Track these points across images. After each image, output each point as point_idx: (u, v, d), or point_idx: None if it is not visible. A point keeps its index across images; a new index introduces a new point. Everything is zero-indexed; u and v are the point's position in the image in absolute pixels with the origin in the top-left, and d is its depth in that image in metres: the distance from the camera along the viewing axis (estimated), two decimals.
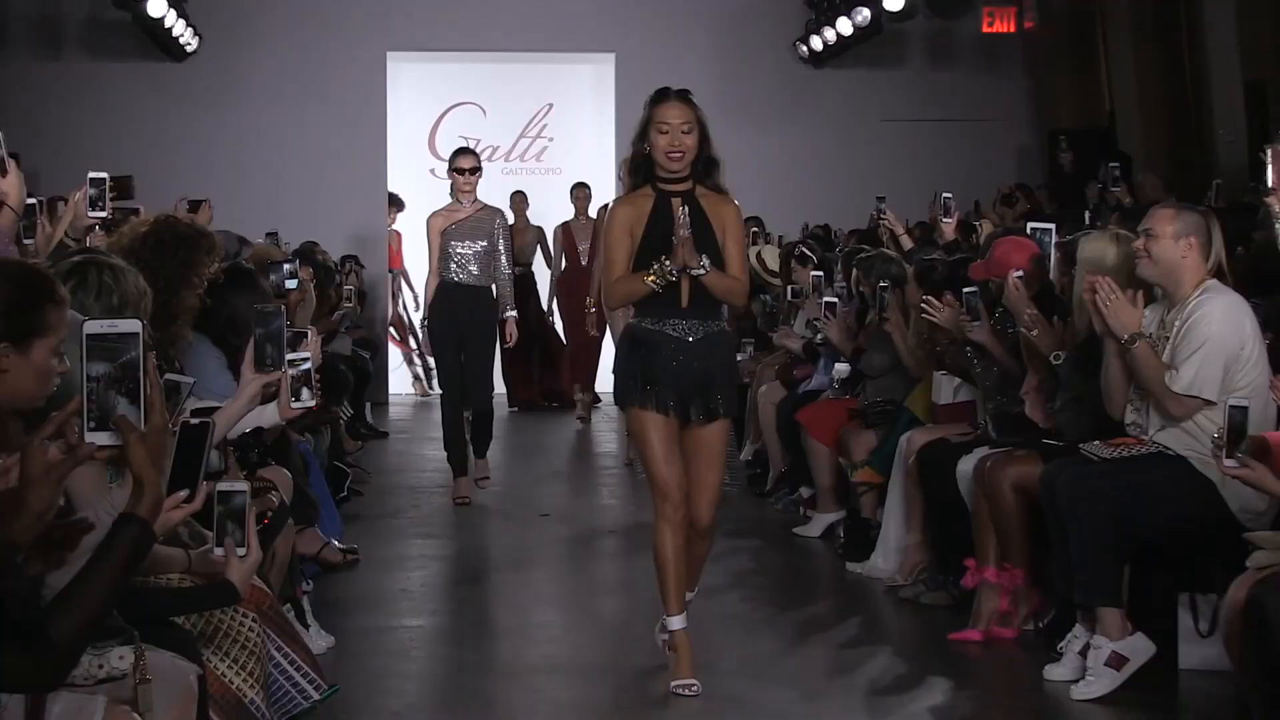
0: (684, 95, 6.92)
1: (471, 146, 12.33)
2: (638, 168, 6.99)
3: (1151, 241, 6.85)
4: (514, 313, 11.94)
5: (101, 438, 3.42)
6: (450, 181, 11.85)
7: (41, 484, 3.37)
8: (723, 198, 7.01)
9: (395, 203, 18.55)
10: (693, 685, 6.77)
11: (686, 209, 6.78)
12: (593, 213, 16.26)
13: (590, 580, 9.89)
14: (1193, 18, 15.80)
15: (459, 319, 11.60)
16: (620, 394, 7.16)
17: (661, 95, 6.93)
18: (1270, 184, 7.29)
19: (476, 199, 11.75)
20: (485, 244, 11.56)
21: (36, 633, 3.17)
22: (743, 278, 7.15)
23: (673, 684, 6.79)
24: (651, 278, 6.75)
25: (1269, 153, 7.47)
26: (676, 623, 6.87)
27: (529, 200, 17.80)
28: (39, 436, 3.42)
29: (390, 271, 18.63)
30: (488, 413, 12.01)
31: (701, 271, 6.73)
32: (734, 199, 7.09)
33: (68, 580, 3.36)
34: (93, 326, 3.48)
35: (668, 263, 6.71)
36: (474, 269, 11.54)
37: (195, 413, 4.69)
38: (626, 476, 12.95)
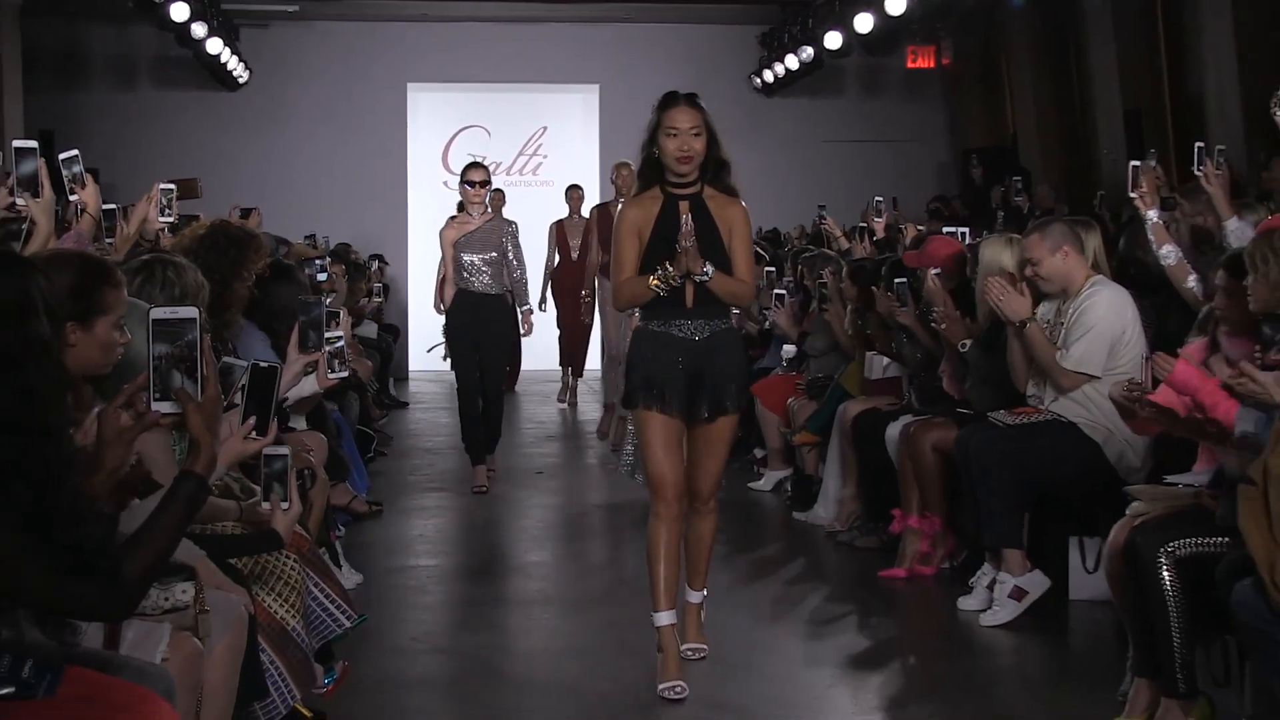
0: (692, 99, 5.82)
1: (481, 161, 10.96)
2: (648, 170, 5.90)
3: (1037, 267, 6.92)
4: (529, 306, 10.75)
5: (165, 407, 3.43)
6: (460, 194, 10.48)
7: (115, 444, 3.39)
8: (730, 199, 5.90)
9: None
10: (678, 687, 5.75)
11: (688, 219, 5.71)
12: (584, 213, 15.86)
13: (579, 527, 9.88)
14: (1081, 58, 15.83)
15: (476, 325, 10.26)
16: (627, 394, 6.00)
17: (670, 100, 5.84)
18: (1133, 191, 7.48)
19: (486, 210, 10.43)
20: (495, 254, 10.22)
21: (111, 571, 3.17)
22: (748, 279, 5.94)
23: (660, 686, 5.76)
24: (655, 282, 5.75)
25: (1130, 167, 7.62)
26: (664, 619, 5.84)
27: (505, 198, 16.40)
28: (113, 405, 3.43)
29: None
30: (498, 410, 10.79)
31: (706, 278, 5.70)
32: (742, 200, 6.00)
33: (136, 527, 3.37)
34: (158, 313, 3.49)
35: (671, 269, 5.71)
36: (486, 278, 10.23)
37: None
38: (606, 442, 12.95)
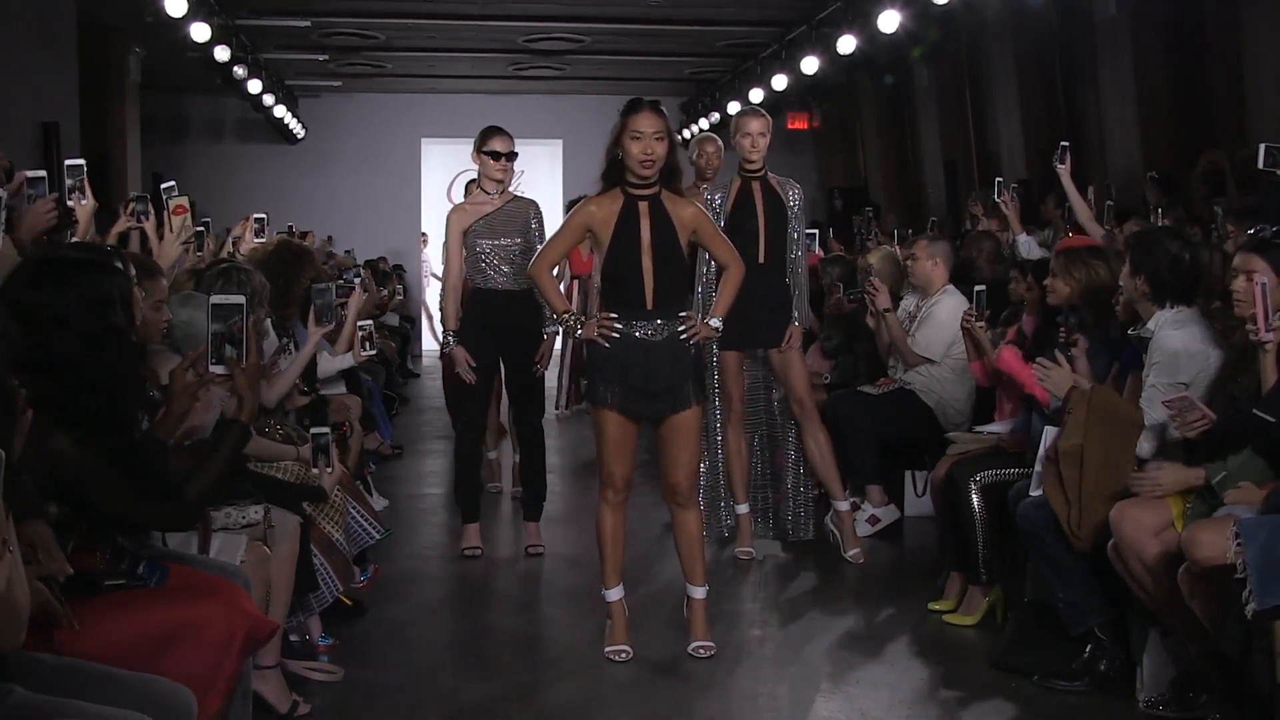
0: (655, 106, 4.77)
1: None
2: (610, 172, 4.76)
3: (915, 262, 6.95)
4: (554, 328, 6.25)
5: (218, 370, 3.40)
6: (479, 168, 6.60)
7: (181, 397, 3.36)
8: (685, 201, 4.76)
9: None
10: (623, 651, 4.81)
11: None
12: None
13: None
14: (913, 123, 15.90)
15: (494, 331, 6.27)
16: (589, 389, 4.80)
17: (635, 105, 4.75)
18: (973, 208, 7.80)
19: (507, 190, 6.59)
20: (520, 240, 6.30)
21: (176, 494, 3.16)
22: (731, 257, 4.86)
23: (606, 649, 4.85)
24: (566, 317, 4.82)
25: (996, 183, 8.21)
26: (613, 595, 4.88)
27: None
28: (181, 367, 3.41)
29: (575, 278, 11.07)
30: (540, 452, 6.61)
31: (718, 331, 4.85)
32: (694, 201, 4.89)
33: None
34: (215, 299, 3.47)
35: (578, 329, 4.76)
36: (507, 269, 6.29)
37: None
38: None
